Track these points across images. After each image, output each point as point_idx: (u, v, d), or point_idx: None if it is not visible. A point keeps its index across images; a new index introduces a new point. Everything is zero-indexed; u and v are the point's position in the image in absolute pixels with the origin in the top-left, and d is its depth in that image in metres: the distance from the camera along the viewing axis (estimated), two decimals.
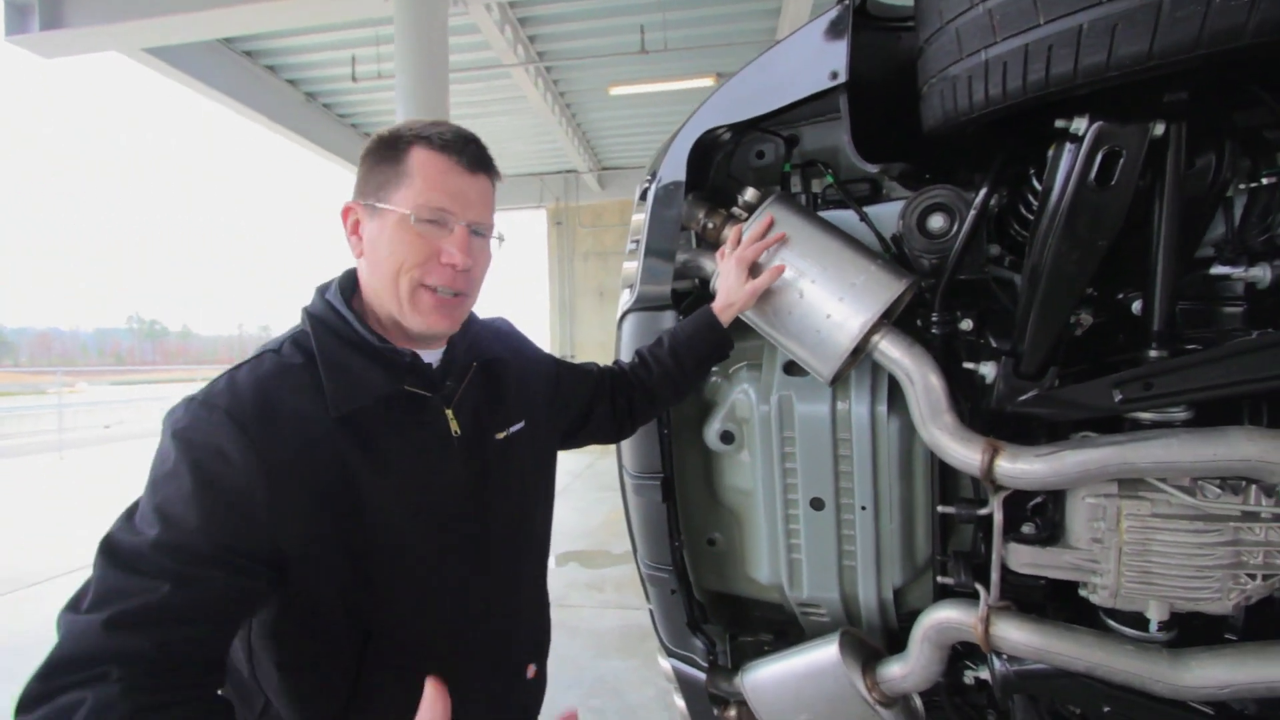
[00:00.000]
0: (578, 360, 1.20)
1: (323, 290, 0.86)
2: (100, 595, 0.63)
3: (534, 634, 1.00)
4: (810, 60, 1.07)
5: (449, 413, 0.85)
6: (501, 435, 0.91)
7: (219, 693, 0.69)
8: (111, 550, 0.66)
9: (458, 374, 0.89)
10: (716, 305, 1.14)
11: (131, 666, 0.60)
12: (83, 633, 0.61)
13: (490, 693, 0.90)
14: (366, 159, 0.83)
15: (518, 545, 0.94)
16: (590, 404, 1.14)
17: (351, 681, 0.78)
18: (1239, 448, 0.82)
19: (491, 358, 0.94)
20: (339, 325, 0.81)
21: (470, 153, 0.82)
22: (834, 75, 1.05)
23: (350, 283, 0.86)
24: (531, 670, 0.97)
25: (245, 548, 0.68)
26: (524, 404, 0.98)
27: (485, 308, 1.04)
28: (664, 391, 1.17)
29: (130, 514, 0.70)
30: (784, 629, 1.49)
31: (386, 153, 0.81)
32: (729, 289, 1.12)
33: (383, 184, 0.80)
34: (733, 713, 1.38)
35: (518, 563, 0.94)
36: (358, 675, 0.78)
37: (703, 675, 1.39)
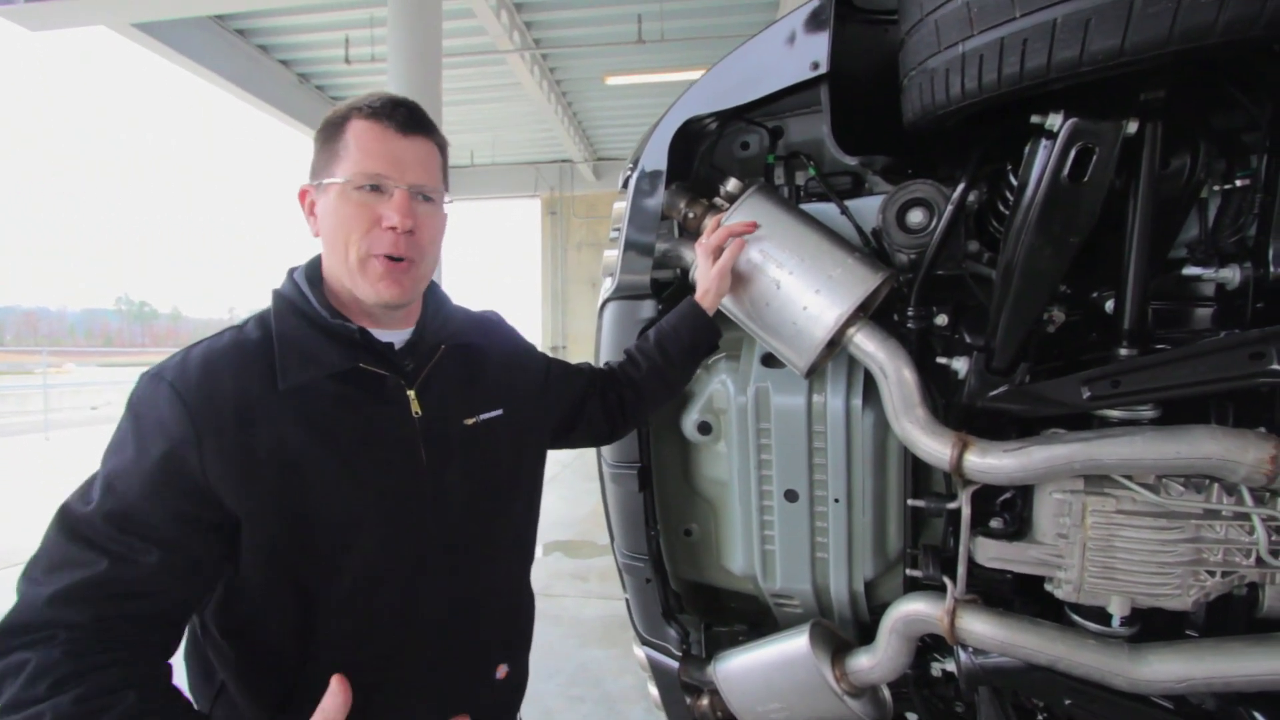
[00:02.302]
0: (569, 352, 1.19)
1: (292, 271, 0.88)
2: (49, 564, 0.67)
3: (506, 633, 0.97)
4: (792, 50, 1.07)
5: (411, 394, 0.84)
6: (471, 421, 0.90)
7: (170, 661, 0.71)
8: (63, 518, 0.70)
9: (423, 355, 0.88)
10: (697, 294, 1.15)
11: (73, 632, 0.64)
12: (30, 604, 0.65)
13: (448, 691, 0.88)
14: (316, 141, 0.84)
15: (484, 535, 0.92)
16: (582, 402, 1.13)
17: (298, 660, 0.77)
18: (1202, 446, 0.83)
19: (464, 342, 0.93)
20: (299, 302, 0.82)
21: (400, 115, 0.81)
22: (815, 65, 1.05)
23: (317, 264, 0.87)
24: (503, 671, 0.95)
25: (187, 514, 0.71)
26: (504, 393, 0.96)
27: (476, 297, 1.04)
28: (653, 386, 1.16)
29: (88, 483, 0.72)
30: (758, 620, 1.50)
31: (329, 130, 0.82)
32: (701, 276, 1.13)
33: (327, 161, 0.81)
34: (705, 701, 1.39)
35: (484, 554, 0.92)
36: (304, 654, 0.77)
37: (676, 664, 1.40)
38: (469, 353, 0.94)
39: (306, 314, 0.81)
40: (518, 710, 1.02)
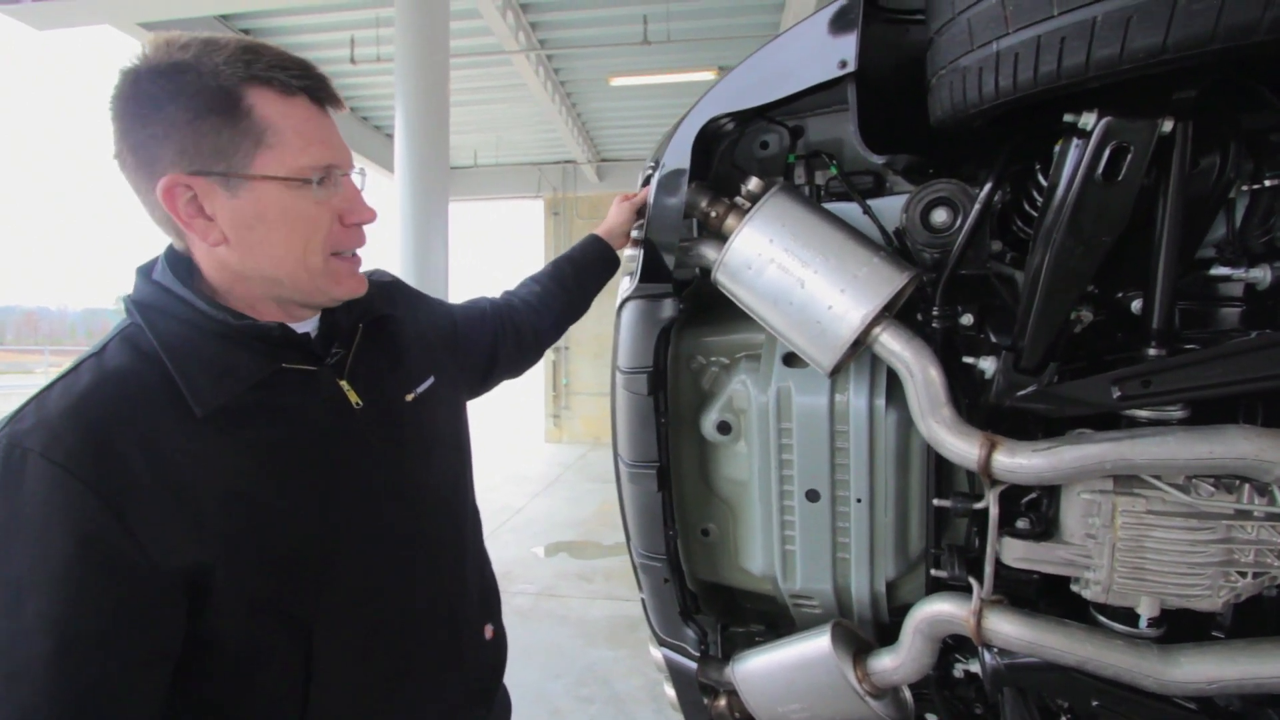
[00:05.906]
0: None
1: (147, 272, 0.73)
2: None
3: (484, 593, 0.96)
4: (819, 48, 1.07)
5: (343, 384, 0.77)
6: (411, 396, 0.85)
7: None
8: None
9: (343, 339, 0.80)
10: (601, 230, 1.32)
11: None
12: None
13: (451, 662, 0.87)
14: (171, 112, 0.63)
15: (451, 507, 0.89)
16: (494, 346, 1.11)
17: (301, 697, 0.72)
18: (1235, 446, 0.83)
19: (379, 315, 0.87)
20: (181, 310, 0.69)
21: (325, 88, 0.71)
22: (843, 64, 1.05)
23: (180, 263, 0.73)
24: (489, 631, 0.94)
25: (133, 605, 0.60)
26: (429, 359, 0.92)
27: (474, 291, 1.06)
28: (559, 307, 1.25)
29: None
30: (775, 621, 1.49)
31: (211, 101, 0.63)
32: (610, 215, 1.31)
33: (225, 147, 0.64)
34: (722, 702, 1.39)
35: (459, 528, 0.90)
36: (307, 685, 0.72)
37: (693, 665, 1.39)
38: (386, 325, 0.87)
39: (196, 322, 0.68)
40: (504, 669, 1.02)
